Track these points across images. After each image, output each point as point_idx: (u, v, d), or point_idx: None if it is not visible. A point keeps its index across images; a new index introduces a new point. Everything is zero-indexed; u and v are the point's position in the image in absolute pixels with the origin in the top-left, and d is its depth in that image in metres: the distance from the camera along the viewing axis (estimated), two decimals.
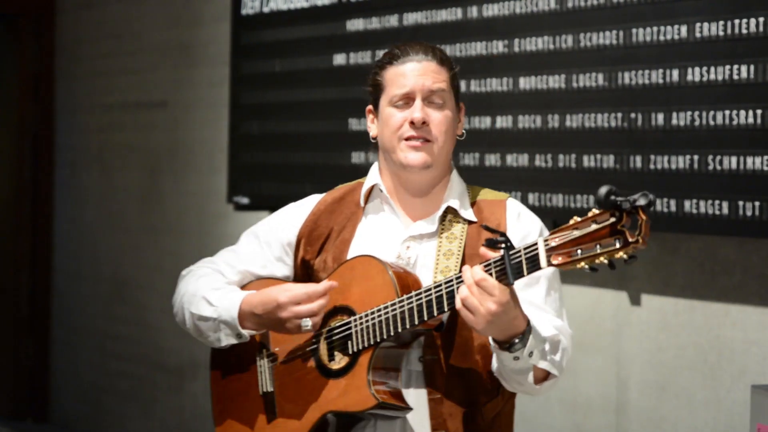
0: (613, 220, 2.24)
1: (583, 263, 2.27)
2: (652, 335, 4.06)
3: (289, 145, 5.31)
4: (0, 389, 7.50)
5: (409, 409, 2.58)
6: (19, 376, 7.41)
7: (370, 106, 2.77)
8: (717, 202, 3.67)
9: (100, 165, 7.05)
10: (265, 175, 5.44)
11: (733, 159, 3.64)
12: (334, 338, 2.64)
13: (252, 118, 5.55)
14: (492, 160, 4.35)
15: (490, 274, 2.39)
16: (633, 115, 3.90)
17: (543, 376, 2.55)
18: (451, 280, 2.48)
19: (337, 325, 2.64)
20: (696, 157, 3.74)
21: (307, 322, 2.63)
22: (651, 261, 4.05)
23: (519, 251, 2.37)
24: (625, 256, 2.24)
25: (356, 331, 2.60)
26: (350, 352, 2.61)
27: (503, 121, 4.32)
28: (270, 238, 2.82)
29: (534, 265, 2.34)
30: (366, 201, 2.77)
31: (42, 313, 7.41)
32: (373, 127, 2.76)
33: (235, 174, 5.64)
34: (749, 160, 3.60)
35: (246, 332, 2.71)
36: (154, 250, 6.49)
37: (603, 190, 2.24)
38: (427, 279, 2.64)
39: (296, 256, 2.80)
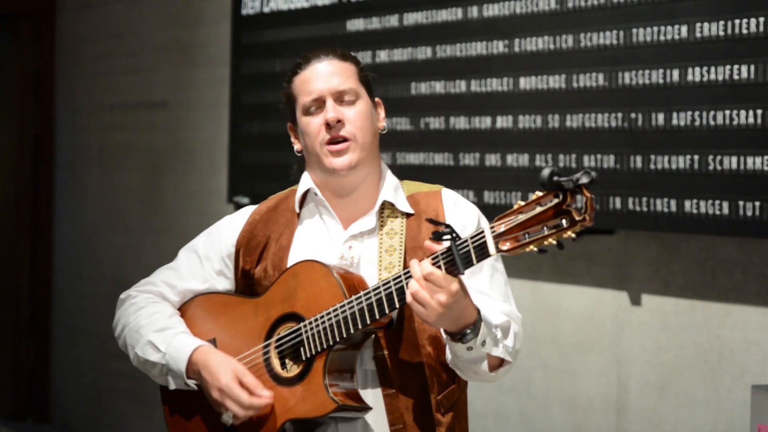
0: (557, 200, 2.25)
1: (532, 246, 2.27)
2: (652, 335, 4.06)
3: (289, 145, 5.29)
4: (0, 389, 7.50)
5: (368, 408, 2.58)
6: (19, 376, 7.42)
7: (290, 123, 2.77)
8: (717, 202, 3.67)
9: (100, 165, 7.05)
10: (265, 175, 5.44)
11: (734, 159, 3.64)
12: (284, 346, 2.63)
13: (252, 118, 5.55)
14: (492, 160, 4.35)
15: (439, 267, 2.39)
16: (633, 115, 3.90)
17: (497, 363, 2.55)
18: (399, 277, 2.48)
19: (286, 333, 2.62)
20: (696, 157, 3.73)
21: (228, 418, 2.63)
22: (651, 261, 4.05)
23: (466, 240, 2.36)
24: (573, 236, 2.24)
25: (307, 337, 2.58)
26: (303, 358, 2.59)
27: (503, 121, 4.32)
28: (209, 252, 2.80)
29: (483, 252, 2.34)
30: (300, 206, 2.75)
31: (42, 313, 7.41)
32: (296, 142, 2.77)
33: (235, 174, 5.64)
34: (749, 160, 3.60)
35: (192, 383, 2.70)
36: (155, 250, 6.49)
37: (546, 171, 2.25)
38: (372, 276, 2.63)
39: (236, 267, 2.77)
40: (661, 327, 4.03)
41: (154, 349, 2.72)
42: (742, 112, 3.62)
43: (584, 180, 2.22)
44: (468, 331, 2.45)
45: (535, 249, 2.27)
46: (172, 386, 2.73)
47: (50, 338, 7.42)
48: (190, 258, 2.83)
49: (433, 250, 2.41)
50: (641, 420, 4.08)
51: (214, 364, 2.65)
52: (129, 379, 6.73)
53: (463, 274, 2.38)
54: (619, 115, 3.94)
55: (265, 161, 5.45)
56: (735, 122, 3.64)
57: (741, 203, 3.61)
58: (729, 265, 3.83)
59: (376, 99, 2.75)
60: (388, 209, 2.68)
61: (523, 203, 2.30)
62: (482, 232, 2.34)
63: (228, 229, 2.80)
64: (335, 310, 2.55)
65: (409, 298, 2.42)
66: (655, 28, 3.83)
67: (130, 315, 2.79)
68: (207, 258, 2.80)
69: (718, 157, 3.68)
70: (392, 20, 4.80)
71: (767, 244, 3.72)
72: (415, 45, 4.68)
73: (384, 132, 2.75)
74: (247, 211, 2.82)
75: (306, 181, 2.76)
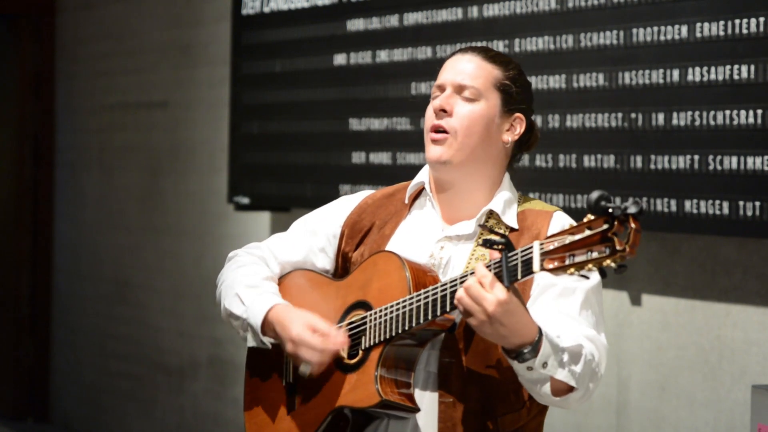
0: (605, 227, 2.19)
1: (573, 269, 2.22)
2: (652, 335, 4.06)
3: (289, 145, 5.31)
4: (0, 389, 7.51)
5: (416, 409, 2.54)
6: (19, 376, 7.42)
7: None
8: (717, 202, 3.67)
9: (100, 165, 7.05)
10: (265, 175, 5.44)
11: (734, 159, 3.64)
12: (351, 332, 2.62)
13: (252, 118, 5.55)
14: None
15: None
16: (633, 115, 3.90)
17: (565, 388, 2.46)
18: (455, 280, 2.43)
19: (355, 320, 2.62)
20: (696, 157, 3.73)
21: (306, 368, 2.62)
22: (651, 261, 4.05)
23: (516, 254, 2.31)
24: (613, 265, 2.19)
25: (370, 327, 2.57)
26: (363, 347, 2.58)
27: None
28: (317, 228, 2.80)
29: (528, 268, 2.29)
30: (413, 199, 2.73)
31: (42, 313, 7.41)
32: None
33: (235, 174, 5.64)
34: (750, 160, 3.60)
35: (267, 341, 2.69)
36: (155, 250, 6.49)
37: (594, 195, 2.19)
38: None
39: (339, 247, 2.77)
40: (661, 327, 4.03)
41: (239, 302, 2.72)
42: (742, 112, 3.62)
43: (632, 210, 2.16)
44: (525, 350, 2.37)
45: (576, 273, 2.23)
46: (251, 343, 2.72)
47: (50, 338, 7.42)
48: (298, 230, 2.83)
49: (492, 257, 2.36)
50: (641, 420, 4.08)
51: (287, 318, 2.63)
52: (129, 379, 6.74)
53: (508, 287, 2.32)
54: (619, 115, 3.95)
55: (265, 161, 5.45)
56: (735, 122, 3.64)
57: (741, 203, 3.61)
58: (729, 265, 3.83)
59: (517, 114, 2.64)
60: (493, 220, 2.63)
61: (575, 224, 2.25)
62: (531, 247, 2.29)
63: (340, 209, 2.80)
64: (397, 304, 2.52)
65: (455, 301, 2.38)
66: (655, 28, 3.83)
67: (231, 271, 2.80)
68: (314, 233, 2.80)
69: (718, 157, 3.68)
70: (392, 20, 4.80)
71: (767, 244, 3.72)
72: (415, 45, 4.68)
73: (507, 146, 2.66)
74: (363, 194, 2.81)
75: (423, 174, 2.72)
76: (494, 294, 2.32)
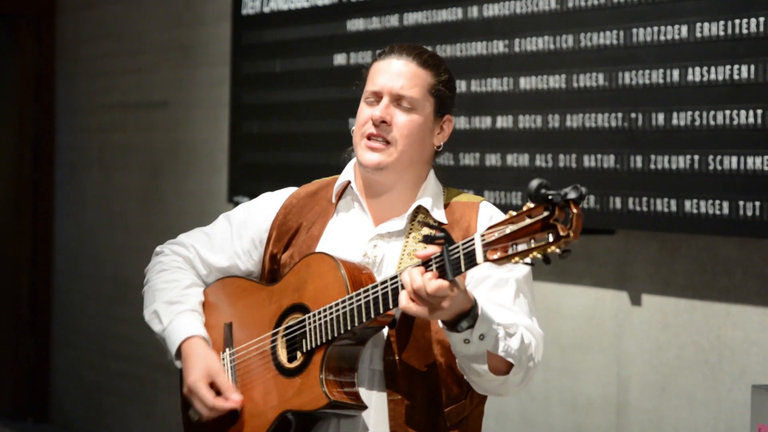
0: (546, 214, 2.19)
1: (517, 258, 2.22)
2: (652, 335, 4.06)
3: (289, 145, 5.31)
4: (0, 389, 7.51)
5: (363, 407, 2.56)
6: (20, 376, 7.42)
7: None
8: (717, 202, 3.67)
9: (100, 165, 7.05)
10: (265, 175, 5.44)
11: (734, 159, 3.64)
12: (290, 336, 2.64)
13: (252, 118, 5.55)
14: (492, 160, 4.35)
15: (431, 270, 2.35)
16: (633, 115, 3.90)
17: (504, 368, 2.48)
18: (396, 277, 2.45)
19: (293, 323, 2.63)
20: (696, 157, 3.73)
21: (194, 414, 2.68)
22: (651, 261, 4.05)
23: (457, 247, 2.32)
24: (558, 251, 2.19)
25: (310, 329, 2.58)
26: (304, 350, 2.60)
27: (504, 121, 4.32)
28: (242, 232, 2.81)
29: (471, 260, 2.30)
30: (339, 198, 2.75)
31: (42, 313, 7.41)
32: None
33: (235, 174, 5.64)
34: (750, 160, 3.60)
35: (179, 365, 2.74)
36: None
37: (534, 183, 2.19)
38: None
39: (265, 251, 2.78)
40: (661, 327, 4.03)
41: (158, 319, 2.76)
42: (742, 112, 3.62)
43: (572, 195, 2.17)
44: (463, 319, 2.39)
45: (520, 261, 2.23)
46: (168, 357, 2.77)
47: (50, 338, 7.42)
48: (224, 230, 2.84)
49: (425, 256, 2.36)
50: (641, 420, 4.08)
51: (192, 360, 2.68)
52: (129, 380, 6.74)
53: (452, 280, 2.33)
54: (619, 115, 3.95)
55: (265, 161, 5.45)
56: (735, 122, 3.64)
57: (741, 203, 3.61)
58: (729, 265, 3.83)
59: (447, 116, 2.69)
60: (422, 215, 2.66)
61: (514, 213, 2.25)
62: (472, 239, 2.30)
63: (265, 210, 2.81)
64: (337, 305, 2.54)
65: (401, 306, 2.39)
66: (655, 28, 3.83)
67: (154, 273, 2.84)
68: (239, 236, 2.81)
69: (718, 157, 3.68)
70: (392, 20, 4.80)
71: (767, 244, 3.72)
72: None
73: (440, 150, 2.70)
74: (286, 193, 2.81)
75: (348, 173, 2.75)
76: (439, 296, 2.33)
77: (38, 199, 7.40)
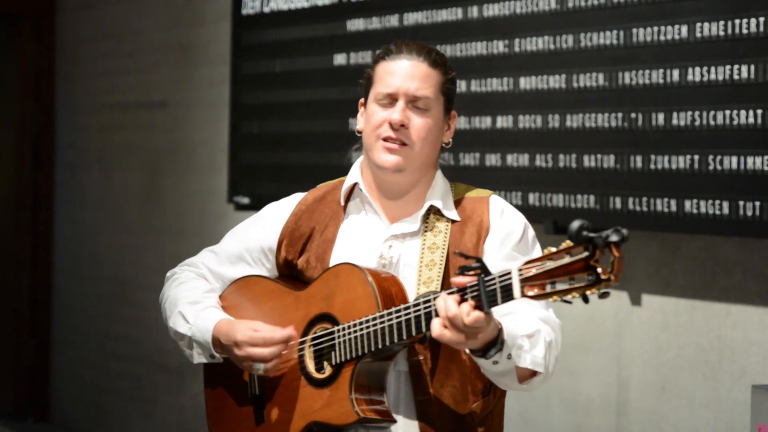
0: (586, 254, 2.19)
1: (556, 297, 2.22)
2: (652, 335, 4.06)
3: (289, 145, 5.31)
4: (0, 389, 7.50)
5: (393, 421, 2.56)
6: (20, 376, 7.41)
7: (362, 99, 2.75)
8: (717, 202, 3.67)
9: (100, 165, 7.05)
10: (265, 175, 5.44)
11: (734, 159, 3.64)
12: (318, 347, 2.63)
13: (252, 118, 5.55)
14: (492, 160, 4.35)
15: (465, 300, 2.34)
16: (633, 115, 3.90)
17: (529, 374, 2.51)
18: (429, 300, 2.44)
19: (322, 333, 2.63)
20: (696, 157, 3.74)
21: (259, 366, 2.64)
22: (651, 261, 4.05)
23: (494, 279, 2.31)
24: (597, 292, 2.20)
25: (339, 343, 2.58)
26: (333, 363, 2.59)
27: (504, 121, 4.32)
28: (250, 244, 2.82)
29: (508, 294, 2.29)
30: (347, 200, 2.75)
31: (42, 313, 7.41)
32: (361, 120, 2.74)
33: (235, 174, 5.64)
34: (750, 160, 3.60)
35: (218, 355, 2.72)
36: (155, 250, 6.49)
37: (575, 225, 2.18)
38: (411, 278, 2.61)
39: (277, 257, 2.78)
40: (661, 327, 4.03)
41: (183, 320, 2.76)
42: (742, 112, 3.62)
43: (614, 238, 2.16)
44: (491, 349, 2.41)
45: (558, 300, 2.23)
46: (196, 360, 2.76)
47: (50, 338, 7.42)
48: (231, 245, 2.85)
49: (461, 284, 2.36)
50: (641, 420, 4.08)
51: (230, 328, 2.67)
52: (129, 380, 6.74)
53: (488, 312, 2.33)
54: (619, 115, 3.95)
55: (265, 161, 5.45)
56: (735, 122, 3.64)
57: (741, 203, 3.61)
58: (729, 265, 3.83)
59: (452, 112, 2.72)
60: (433, 213, 2.67)
61: (554, 249, 2.24)
62: (510, 273, 2.29)
63: (273, 221, 2.81)
64: (367, 321, 2.53)
65: (434, 334, 2.37)
66: (655, 28, 3.83)
67: (172, 289, 2.85)
68: (247, 249, 2.82)
69: (718, 157, 3.68)
70: (392, 20, 4.80)
71: (767, 244, 3.72)
72: None
73: (448, 146, 2.72)
74: (294, 201, 2.82)
75: (354, 174, 2.75)
76: (473, 329, 2.33)
77: (38, 199, 7.40)
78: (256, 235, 2.82)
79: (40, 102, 7.36)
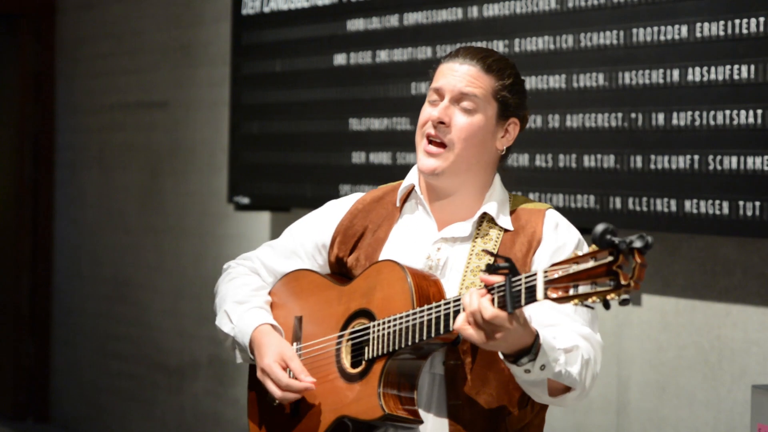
0: (610, 259, 2.19)
1: (577, 300, 2.22)
2: (652, 335, 4.06)
3: (289, 145, 5.31)
4: (0, 389, 7.51)
5: (419, 422, 2.55)
6: (20, 376, 7.42)
7: None
8: (717, 202, 3.67)
9: (100, 165, 7.05)
10: (265, 175, 5.44)
11: (734, 159, 3.64)
12: (355, 341, 2.63)
13: (252, 118, 5.55)
14: None
15: (492, 299, 2.33)
16: (633, 115, 3.91)
17: (562, 388, 2.48)
18: (458, 299, 2.43)
19: (359, 328, 2.63)
20: (696, 157, 3.74)
21: (272, 397, 2.68)
22: (651, 261, 4.05)
23: (520, 279, 2.31)
24: (617, 298, 2.19)
25: (373, 338, 2.57)
26: (366, 357, 2.59)
27: None
28: (305, 239, 2.82)
29: (531, 296, 2.28)
30: (403, 201, 2.74)
31: (42, 313, 7.41)
32: None
33: (235, 174, 5.64)
34: (750, 160, 3.60)
35: (254, 358, 2.73)
36: (155, 250, 6.49)
37: (599, 228, 2.18)
38: (454, 281, 2.59)
39: (330, 254, 2.78)
40: (661, 327, 4.03)
41: (228, 320, 2.77)
42: (742, 112, 3.62)
43: (638, 244, 2.16)
44: (524, 356, 2.38)
45: (580, 304, 2.23)
46: (239, 360, 2.77)
47: (50, 338, 7.42)
48: (287, 240, 2.85)
49: (489, 282, 2.35)
50: (641, 420, 4.09)
51: (264, 345, 2.68)
52: (129, 379, 6.74)
53: (511, 312, 2.31)
54: (619, 115, 3.95)
55: (265, 161, 5.45)
56: (735, 122, 3.64)
57: (741, 203, 3.61)
58: (729, 265, 3.83)
59: (512, 119, 2.67)
60: (487, 220, 2.64)
61: (579, 253, 2.25)
62: (535, 274, 2.28)
63: (329, 217, 2.81)
64: (401, 317, 2.52)
65: (457, 326, 2.38)
66: (655, 28, 3.83)
67: (224, 284, 2.86)
68: (302, 244, 2.82)
69: (718, 157, 3.68)
70: (392, 20, 4.80)
71: (767, 244, 3.72)
72: (415, 45, 4.68)
73: (503, 153, 2.68)
74: (353, 199, 2.82)
75: (412, 176, 2.73)
76: (495, 325, 2.32)
77: (38, 199, 7.40)
78: (311, 231, 2.82)
79: (40, 102, 7.36)
